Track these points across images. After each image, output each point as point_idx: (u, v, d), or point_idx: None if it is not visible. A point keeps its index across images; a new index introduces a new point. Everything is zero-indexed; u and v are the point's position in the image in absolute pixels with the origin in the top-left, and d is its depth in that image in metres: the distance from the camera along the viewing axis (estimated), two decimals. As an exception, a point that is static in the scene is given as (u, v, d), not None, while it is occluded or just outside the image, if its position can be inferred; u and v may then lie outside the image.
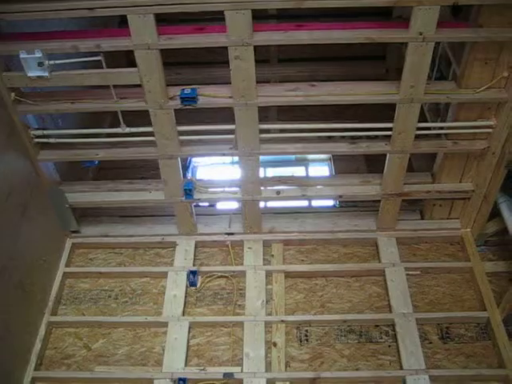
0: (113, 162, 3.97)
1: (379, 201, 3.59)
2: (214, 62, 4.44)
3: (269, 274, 3.57)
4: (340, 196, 3.57)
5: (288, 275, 3.58)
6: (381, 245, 3.66)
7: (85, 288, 3.59)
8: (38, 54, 2.73)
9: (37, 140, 3.23)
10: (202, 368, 3.17)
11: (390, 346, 3.24)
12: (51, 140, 3.24)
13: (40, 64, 2.76)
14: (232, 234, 3.76)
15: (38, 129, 3.22)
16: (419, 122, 3.14)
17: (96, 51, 2.78)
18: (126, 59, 3.70)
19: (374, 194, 3.54)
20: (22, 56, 2.73)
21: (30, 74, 2.82)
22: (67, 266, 3.66)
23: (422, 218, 3.77)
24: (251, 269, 3.58)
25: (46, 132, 3.23)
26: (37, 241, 3.36)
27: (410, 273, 3.50)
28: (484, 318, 3.27)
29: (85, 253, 3.78)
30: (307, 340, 3.30)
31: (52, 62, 2.80)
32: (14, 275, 3.08)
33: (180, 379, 3.09)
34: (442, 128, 3.35)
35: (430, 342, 3.24)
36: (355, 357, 3.22)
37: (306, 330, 3.34)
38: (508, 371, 3.04)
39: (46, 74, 2.83)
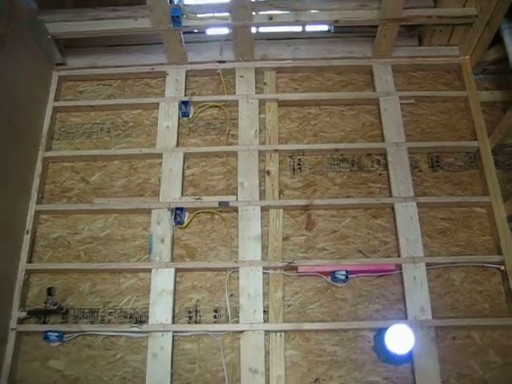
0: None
1: (376, 26, 3.36)
2: None
3: (262, 103, 3.48)
4: (336, 21, 3.33)
5: (281, 104, 3.49)
6: (376, 72, 3.51)
7: (76, 122, 3.51)
8: None
9: (5, -39, 2.91)
10: (197, 197, 3.22)
11: (380, 174, 3.28)
12: (21, -41, 2.92)
13: None
14: (223, 62, 3.57)
15: None
16: None
17: None
18: None
19: (372, 19, 3.30)
20: None
21: None
22: (56, 100, 3.52)
23: (420, 45, 3.57)
24: (244, 98, 3.47)
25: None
26: (21, 76, 3.19)
27: (405, 102, 3.41)
28: (474, 148, 3.28)
29: (73, 86, 3.62)
30: (300, 169, 3.33)
31: None
32: (3, 113, 2.97)
33: (177, 208, 3.16)
34: None
35: (420, 171, 3.28)
36: (347, 185, 3.27)
37: (299, 159, 3.35)
38: (491, 198, 3.12)
39: None
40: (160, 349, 2.87)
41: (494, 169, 3.18)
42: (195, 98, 3.50)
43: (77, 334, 2.95)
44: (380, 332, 2.81)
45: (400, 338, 2.69)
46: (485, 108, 3.38)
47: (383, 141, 3.33)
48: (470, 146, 3.29)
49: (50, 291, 3.00)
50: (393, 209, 3.15)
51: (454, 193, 3.21)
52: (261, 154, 3.33)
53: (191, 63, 3.58)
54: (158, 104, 3.48)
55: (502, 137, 3.12)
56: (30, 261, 3.12)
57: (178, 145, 3.37)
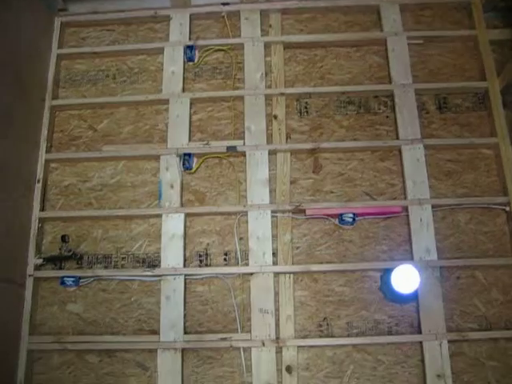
0: None
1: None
2: None
3: (267, 46, 3.41)
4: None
5: (287, 46, 3.42)
6: (383, 12, 3.39)
7: (81, 69, 3.47)
8: None
9: None
10: (205, 142, 3.23)
11: (387, 116, 3.26)
12: None
13: None
14: (227, 3, 3.48)
15: None
16: None
17: None
18: None
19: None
20: None
21: None
22: (60, 47, 3.45)
23: (429, -18, 3.46)
24: (249, 41, 3.40)
25: None
26: (24, 24, 3.11)
27: (412, 42, 3.33)
28: (482, 88, 3.22)
29: (76, 32, 3.54)
30: (307, 112, 3.31)
31: None
32: (8, 63, 2.94)
33: (185, 154, 3.17)
34: None
35: (427, 112, 3.25)
36: (353, 127, 3.26)
37: (306, 102, 3.33)
38: (498, 139, 3.10)
39: None
40: (172, 291, 2.96)
41: (503, 109, 3.14)
42: (200, 42, 3.43)
43: (92, 279, 3.04)
44: (386, 272, 2.87)
45: (406, 278, 2.75)
46: (494, 47, 3.29)
47: (390, 82, 3.27)
48: (479, 86, 3.23)
49: (64, 238, 3.07)
50: (400, 151, 3.14)
51: (462, 134, 3.19)
52: (267, 97, 3.30)
53: (195, 6, 3.49)
54: (162, 49, 3.42)
55: (511, 77, 3.07)
56: (42, 209, 3.17)
57: (183, 90, 3.34)
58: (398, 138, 3.16)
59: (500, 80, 3.16)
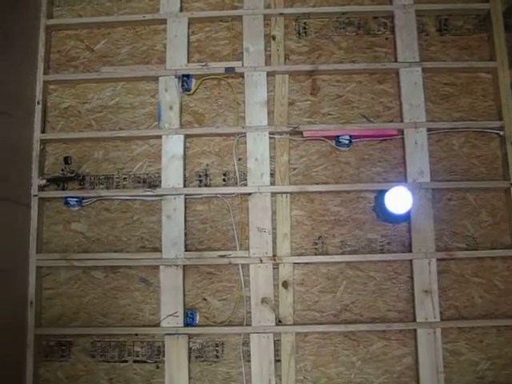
0: None
1: None
2: None
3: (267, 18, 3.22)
4: None
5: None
6: None
7: (76, -14, 3.31)
8: None
9: None
10: (203, 64, 3.14)
11: (387, 38, 3.16)
12: None
13: None
14: None
15: None
16: None
17: None
18: None
19: None
20: None
21: None
22: (53, -38, 3.28)
23: None
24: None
25: None
26: None
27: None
28: (484, 10, 3.10)
29: None
30: (306, 33, 3.21)
31: None
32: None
33: (184, 75, 3.10)
34: None
35: (427, 34, 3.14)
36: (352, 49, 3.17)
37: (305, 23, 3.21)
38: (497, 63, 3.03)
39: None
40: (173, 211, 2.99)
41: (503, 32, 3.04)
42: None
43: (95, 199, 3.07)
44: (380, 193, 2.89)
45: (399, 199, 2.78)
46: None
47: (391, 3, 3.14)
48: (481, 8, 3.11)
49: (66, 160, 3.05)
50: (397, 74, 3.07)
51: (460, 57, 3.11)
52: (266, 17, 3.17)
53: None
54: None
55: (513, -1, 2.97)
56: (43, 131, 3.13)
57: (181, 9, 3.20)
58: (396, 61, 3.08)
59: (503, 1, 3.04)
